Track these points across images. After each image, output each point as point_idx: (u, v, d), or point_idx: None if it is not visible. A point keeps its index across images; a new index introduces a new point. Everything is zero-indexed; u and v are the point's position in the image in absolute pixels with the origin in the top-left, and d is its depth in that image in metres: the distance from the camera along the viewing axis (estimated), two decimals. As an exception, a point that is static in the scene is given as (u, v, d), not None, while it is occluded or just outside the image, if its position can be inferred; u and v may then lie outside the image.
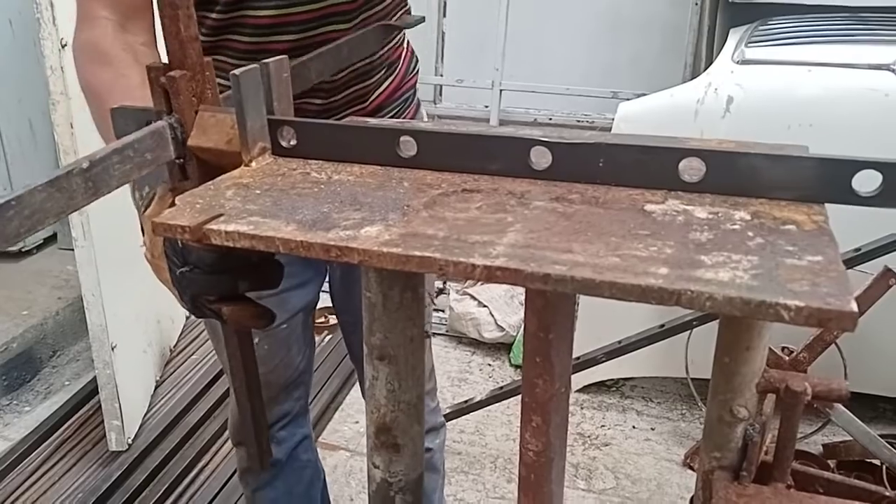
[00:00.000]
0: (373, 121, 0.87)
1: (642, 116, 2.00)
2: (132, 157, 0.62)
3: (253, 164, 0.68)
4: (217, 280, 0.69)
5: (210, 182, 0.64)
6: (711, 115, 1.91)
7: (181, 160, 0.70)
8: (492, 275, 0.49)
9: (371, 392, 0.72)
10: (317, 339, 2.62)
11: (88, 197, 0.56)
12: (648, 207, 0.58)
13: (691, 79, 2.21)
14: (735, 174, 0.58)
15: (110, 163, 0.60)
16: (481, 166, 0.65)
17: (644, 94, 2.30)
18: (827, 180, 0.55)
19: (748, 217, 0.56)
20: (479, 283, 2.64)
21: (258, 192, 0.62)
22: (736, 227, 0.55)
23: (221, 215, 0.57)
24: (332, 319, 2.67)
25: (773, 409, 0.74)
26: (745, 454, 0.67)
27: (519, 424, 0.74)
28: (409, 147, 0.67)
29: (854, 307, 0.44)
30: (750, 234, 0.53)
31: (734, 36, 2.13)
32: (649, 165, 0.59)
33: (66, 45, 1.54)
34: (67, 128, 1.61)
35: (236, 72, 0.65)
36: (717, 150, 0.58)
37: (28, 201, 0.53)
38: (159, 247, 0.73)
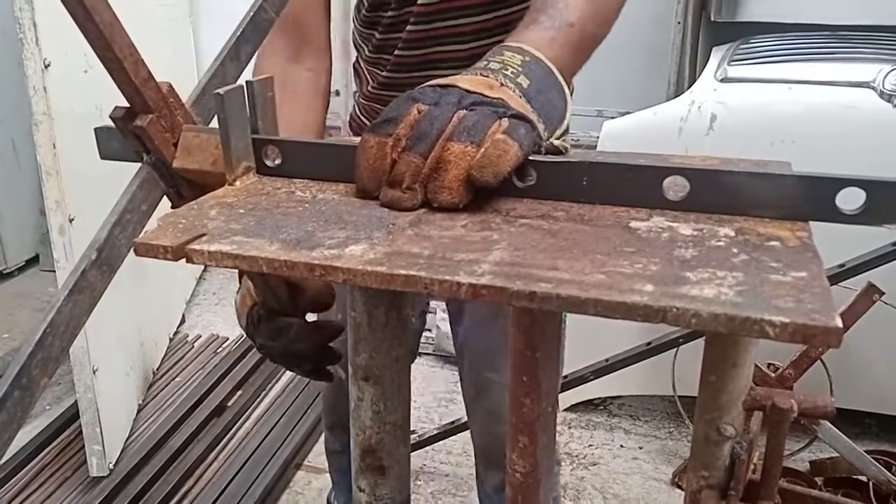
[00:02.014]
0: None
1: (627, 134, 2.02)
2: (131, 219, 0.62)
3: (237, 183, 0.68)
4: (281, 360, 0.88)
5: (193, 202, 0.63)
6: (695, 133, 1.92)
7: (174, 188, 0.70)
8: (477, 293, 0.49)
9: (356, 414, 0.71)
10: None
11: (106, 280, 0.59)
12: (633, 224, 0.58)
13: (675, 97, 2.24)
14: (719, 192, 0.58)
15: (114, 237, 0.60)
16: (466, 184, 0.65)
17: (628, 113, 2.32)
18: (811, 198, 0.55)
19: (732, 233, 0.57)
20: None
21: (242, 211, 0.62)
22: (720, 243, 0.55)
23: (204, 235, 0.56)
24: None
25: (759, 426, 0.74)
26: (732, 473, 0.67)
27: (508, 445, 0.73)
28: (393, 166, 0.67)
29: (839, 323, 0.44)
30: (734, 250, 0.54)
31: (717, 54, 2.16)
32: (633, 184, 0.60)
33: (49, 65, 1.54)
34: (50, 148, 1.60)
35: (220, 91, 0.65)
36: (700, 168, 0.58)
37: (58, 320, 0.56)
38: (243, 318, 0.87)
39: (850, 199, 0.55)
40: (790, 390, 1.78)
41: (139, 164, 0.70)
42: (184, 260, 0.54)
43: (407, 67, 1.12)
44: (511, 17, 1.07)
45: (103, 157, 0.77)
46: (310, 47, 1.09)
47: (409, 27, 1.08)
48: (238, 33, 0.93)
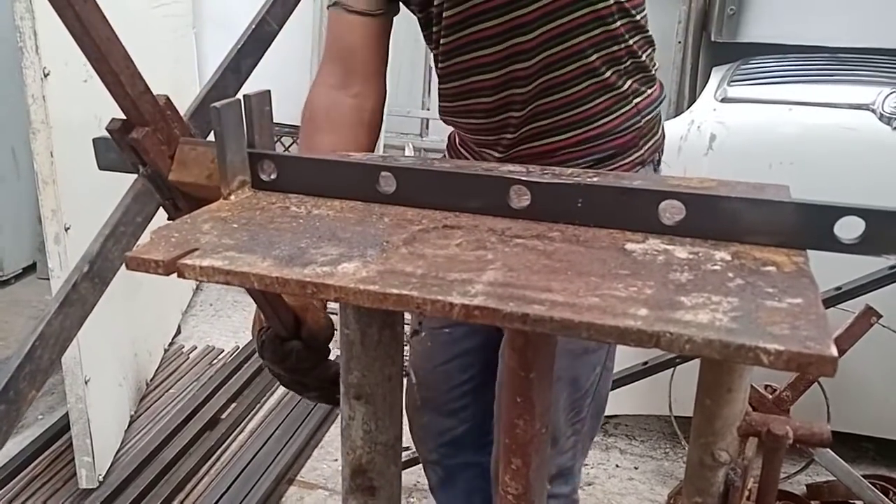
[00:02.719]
0: (356, 155, 0.86)
1: (626, 153, 2.01)
2: (125, 231, 0.62)
3: (232, 197, 0.67)
4: (292, 386, 0.91)
5: (187, 215, 0.63)
6: (694, 152, 1.93)
7: (170, 200, 0.69)
8: (470, 314, 0.48)
9: (347, 432, 0.71)
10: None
11: (98, 293, 0.59)
12: (629, 247, 0.58)
13: (675, 116, 2.24)
14: (715, 218, 0.57)
15: (107, 249, 0.60)
16: (461, 203, 0.65)
17: (628, 131, 2.32)
18: (808, 226, 0.55)
19: (728, 257, 0.56)
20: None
21: (235, 225, 0.61)
22: (716, 267, 0.54)
23: (196, 250, 0.56)
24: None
25: (755, 451, 0.73)
26: (726, 499, 0.66)
27: (500, 466, 0.72)
28: (389, 183, 0.67)
29: (834, 352, 0.43)
30: (730, 274, 0.53)
31: (717, 74, 2.16)
32: (629, 207, 0.59)
33: (48, 74, 1.54)
34: (48, 157, 1.60)
35: (217, 105, 0.64)
36: (696, 194, 0.58)
37: (48, 332, 0.56)
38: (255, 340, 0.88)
39: (848, 229, 0.54)
40: (787, 413, 1.78)
41: (135, 176, 0.70)
42: (175, 275, 0.54)
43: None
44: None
45: (101, 167, 0.77)
46: (357, 75, 1.08)
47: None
48: (239, 46, 0.94)
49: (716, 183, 0.75)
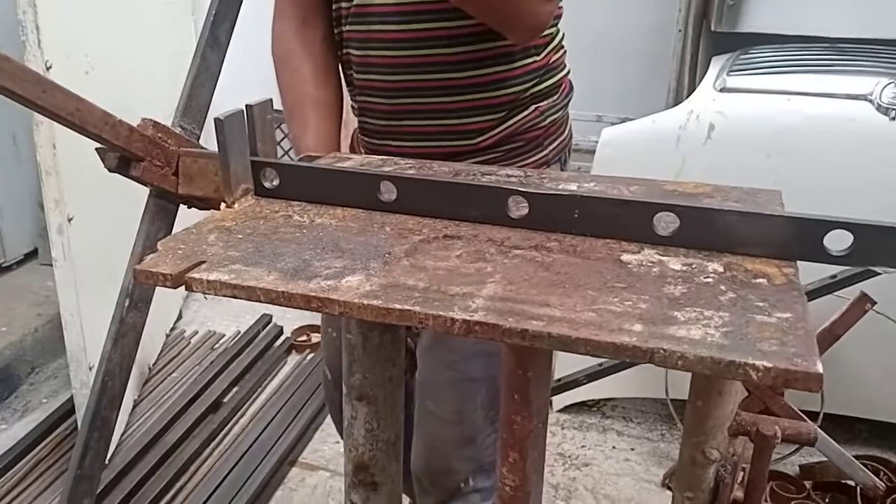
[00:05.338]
0: (355, 159, 0.88)
1: (625, 141, 2.02)
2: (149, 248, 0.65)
3: (236, 205, 0.69)
4: None
5: (192, 226, 0.64)
6: (693, 142, 1.93)
7: (185, 203, 0.71)
8: (470, 329, 0.50)
9: (349, 431, 0.73)
10: (298, 357, 2.62)
11: (144, 315, 0.62)
12: (625, 258, 0.60)
13: (674, 104, 2.24)
14: (708, 229, 0.59)
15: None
16: (461, 213, 0.66)
17: (627, 118, 2.33)
18: (799, 239, 0.57)
19: (721, 269, 0.58)
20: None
21: (240, 236, 0.63)
22: (709, 279, 0.56)
23: (203, 262, 0.57)
24: (315, 337, 2.67)
25: (744, 446, 0.75)
26: (716, 495, 0.68)
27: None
28: (389, 192, 0.68)
29: (819, 369, 0.45)
30: (722, 287, 0.55)
31: (716, 64, 2.16)
32: (624, 218, 0.61)
33: (50, 67, 1.54)
34: (50, 149, 1.61)
35: (220, 116, 0.66)
36: (690, 206, 0.59)
37: (111, 367, 0.59)
38: None
39: (837, 241, 0.56)
40: (781, 395, 1.80)
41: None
42: (183, 288, 0.56)
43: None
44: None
45: (110, 171, 0.78)
46: (318, 14, 1.08)
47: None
48: (212, 16, 0.91)
49: (710, 188, 0.77)
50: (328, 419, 2.33)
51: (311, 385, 2.41)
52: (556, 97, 1.10)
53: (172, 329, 2.72)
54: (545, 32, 1.05)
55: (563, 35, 1.13)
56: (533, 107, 1.06)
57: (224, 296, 0.55)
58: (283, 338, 2.69)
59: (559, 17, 1.10)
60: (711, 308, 0.52)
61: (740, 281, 0.56)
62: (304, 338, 2.68)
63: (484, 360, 1.11)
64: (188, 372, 2.47)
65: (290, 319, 2.74)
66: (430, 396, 1.18)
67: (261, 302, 0.54)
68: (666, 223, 0.61)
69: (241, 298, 0.54)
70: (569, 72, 1.15)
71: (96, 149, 0.72)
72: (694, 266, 0.58)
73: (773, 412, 1.88)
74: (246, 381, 2.44)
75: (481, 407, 1.16)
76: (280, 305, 0.54)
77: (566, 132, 1.16)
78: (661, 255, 0.60)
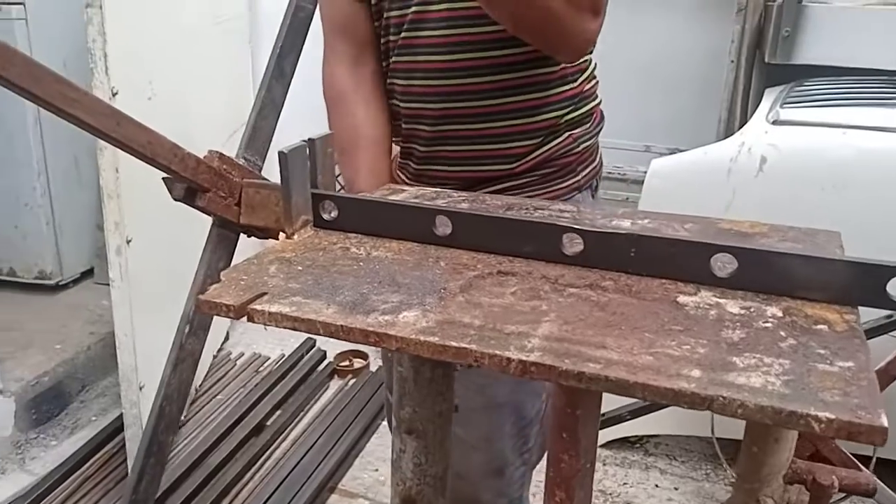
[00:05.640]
0: (409, 191, 0.89)
1: (674, 173, 2.01)
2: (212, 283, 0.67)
3: (295, 236, 0.71)
4: None
5: (253, 256, 0.66)
6: (744, 175, 1.91)
7: (245, 232, 0.73)
8: (526, 370, 0.50)
9: (397, 464, 0.73)
10: (340, 382, 2.64)
11: (202, 341, 0.64)
12: (681, 299, 0.59)
13: (725, 136, 2.22)
14: (766, 272, 0.58)
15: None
16: (515, 248, 0.67)
17: (676, 149, 2.31)
18: (861, 284, 0.56)
19: (780, 314, 0.57)
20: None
21: (300, 268, 0.64)
22: (768, 324, 0.55)
23: (265, 294, 0.59)
24: (357, 363, 2.68)
25: (798, 494, 0.73)
26: (772, 544, 0.67)
27: (543, 498, 0.74)
28: (444, 226, 0.69)
29: (884, 422, 0.44)
30: (782, 333, 0.54)
31: (769, 96, 2.14)
32: (680, 259, 0.60)
33: (116, 93, 1.60)
34: (113, 172, 1.66)
35: (284, 150, 0.68)
36: (748, 248, 0.59)
37: (169, 391, 0.62)
38: None
39: (901, 287, 0.55)
40: (832, 440, 1.74)
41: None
42: (245, 319, 0.57)
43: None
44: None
45: (176, 201, 0.81)
46: (369, 51, 1.11)
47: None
48: (278, 48, 0.95)
49: (767, 227, 0.76)
50: (368, 446, 2.34)
51: (353, 411, 2.42)
52: (588, 125, 1.13)
53: (219, 350, 2.76)
54: (580, 60, 1.09)
55: (596, 65, 1.15)
56: (567, 133, 1.10)
57: (284, 327, 0.56)
58: (325, 362, 2.71)
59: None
60: (771, 355, 0.51)
61: (800, 327, 0.55)
62: (347, 363, 2.69)
63: (512, 384, 1.11)
64: (233, 394, 2.50)
65: (333, 344, 2.76)
66: (458, 422, 1.18)
67: (320, 335, 0.55)
68: (723, 264, 0.61)
69: (300, 331, 0.55)
70: (600, 102, 1.18)
71: (163, 178, 0.75)
72: (752, 310, 0.57)
73: (825, 456, 1.82)
74: (289, 404, 2.46)
75: (509, 436, 1.16)
76: (339, 339, 0.54)
77: (597, 160, 1.19)
78: (719, 298, 0.59)
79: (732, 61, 2.36)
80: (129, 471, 2.03)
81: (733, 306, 0.58)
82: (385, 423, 2.41)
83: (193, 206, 0.70)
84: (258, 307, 0.57)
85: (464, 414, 1.17)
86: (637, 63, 2.83)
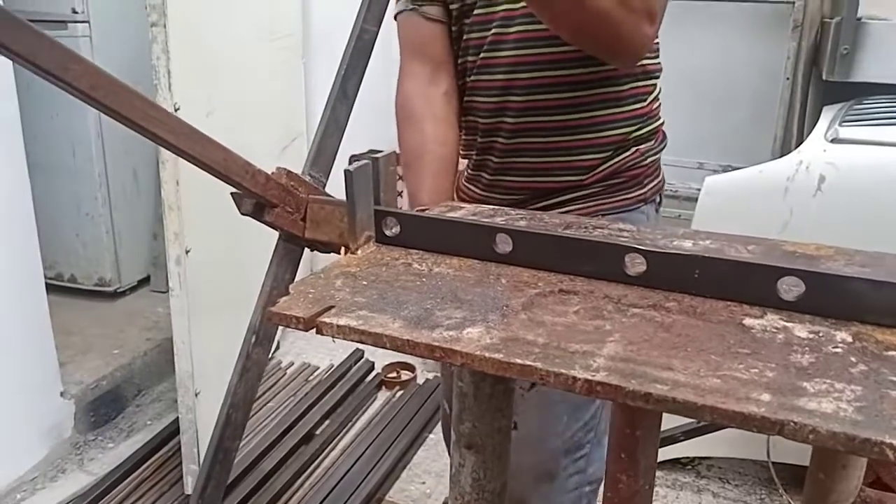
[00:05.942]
0: (467, 208, 0.90)
1: (729, 191, 1.98)
2: (278, 294, 0.69)
3: (359, 252, 0.72)
4: None
5: (320, 270, 0.68)
6: (802, 194, 1.87)
7: (309, 246, 0.75)
8: (592, 389, 0.50)
9: (456, 479, 0.74)
10: (388, 393, 2.65)
11: (267, 352, 0.66)
12: (747, 322, 0.59)
13: (780, 154, 2.18)
14: (835, 296, 0.58)
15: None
16: (576, 267, 0.67)
17: (730, 166, 2.28)
18: (935, 310, 0.54)
19: (850, 339, 0.56)
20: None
21: (364, 282, 0.66)
22: (838, 350, 0.55)
23: (332, 307, 0.60)
24: (405, 375, 2.70)
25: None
26: (838, 574, 0.65)
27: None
28: (505, 243, 0.70)
29: (965, 453, 0.43)
30: (852, 359, 0.53)
31: (827, 114, 2.09)
32: (746, 280, 0.60)
33: (178, 108, 1.66)
34: (174, 185, 1.72)
35: (350, 168, 0.69)
36: (816, 272, 0.58)
37: (236, 399, 0.64)
38: None
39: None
40: (895, 466, 1.69)
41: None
42: (314, 331, 0.58)
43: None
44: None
45: (239, 209, 0.83)
46: (443, 71, 1.17)
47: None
48: (342, 71, 0.97)
49: (833, 250, 0.75)
50: (416, 458, 2.35)
51: (400, 423, 2.44)
52: (653, 142, 1.18)
53: (270, 359, 2.81)
54: (649, 82, 1.15)
55: (661, 90, 1.20)
56: (634, 148, 1.14)
57: (352, 340, 0.57)
58: (373, 373, 2.74)
59: (660, 71, 1.18)
60: (842, 380, 0.50)
61: (871, 353, 0.54)
62: (394, 374, 2.71)
63: None
64: (283, 402, 2.54)
65: (381, 355, 2.78)
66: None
67: (387, 349, 0.56)
68: (789, 286, 0.60)
69: (367, 344, 0.57)
70: (663, 122, 1.22)
71: (231, 194, 0.77)
72: (821, 334, 0.57)
73: (887, 483, 1.76)
74: (337, 414, 2.49)
75: (562, 440, 1.16)
76: (405, 353, 0.55)
77: (661, 175, 1.24)
78: (786, 321, 0.59)
79: (788, 78, 2.33)
80: (184, 473, 2.08)
81: (801, 330, 0.57)
82: (432, 435, 2.42)
83: (261, 221, 0.72)
84: (327, 320, 0.58)
85: (518, 406, 1.16)
86: (689, 79, 2.81)
